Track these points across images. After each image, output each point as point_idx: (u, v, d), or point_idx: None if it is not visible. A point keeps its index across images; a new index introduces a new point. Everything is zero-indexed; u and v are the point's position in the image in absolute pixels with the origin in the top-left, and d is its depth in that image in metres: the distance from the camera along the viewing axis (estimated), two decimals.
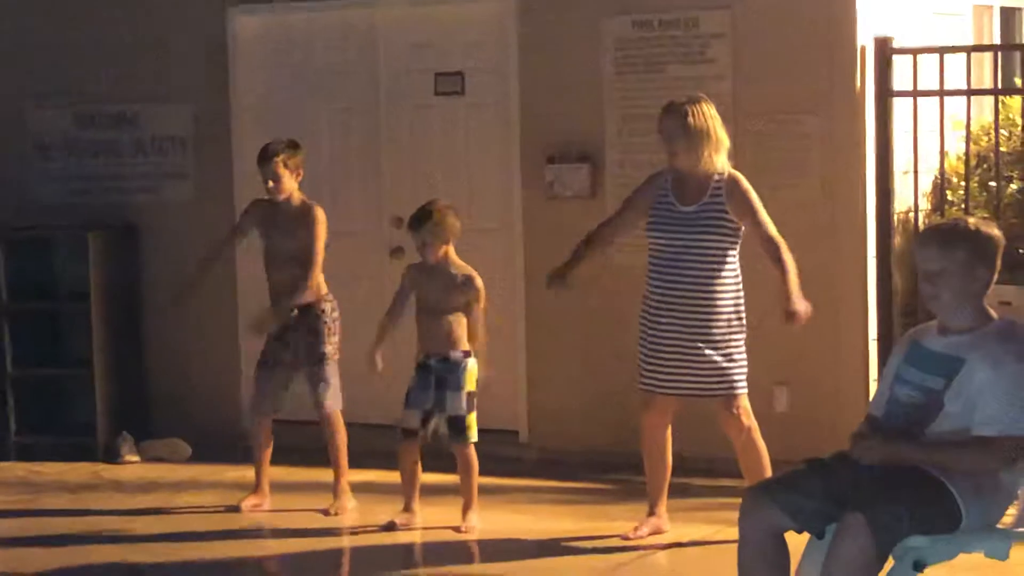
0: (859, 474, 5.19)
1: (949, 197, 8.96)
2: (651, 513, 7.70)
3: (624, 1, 9.12)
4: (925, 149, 8.73)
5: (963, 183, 8.75)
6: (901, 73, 8.68)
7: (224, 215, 9.95)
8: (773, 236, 7.36)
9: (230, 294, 9.97)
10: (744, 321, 7.44)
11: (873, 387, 8.29)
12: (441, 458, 8.09)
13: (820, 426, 8.37)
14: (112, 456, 9.86)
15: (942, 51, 8.63)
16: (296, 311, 8.28)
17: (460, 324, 7.83)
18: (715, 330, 7.35)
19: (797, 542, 5.36)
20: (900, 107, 8.71)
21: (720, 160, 7.42)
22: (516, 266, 9.41)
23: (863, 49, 8.66)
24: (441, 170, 9.72)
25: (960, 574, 5.78)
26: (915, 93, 8.65)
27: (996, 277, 5.33)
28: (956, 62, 8.65)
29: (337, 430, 8.34)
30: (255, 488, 8.52)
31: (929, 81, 8.61)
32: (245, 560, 7.80)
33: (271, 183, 8.30)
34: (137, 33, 10.29)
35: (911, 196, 8.78)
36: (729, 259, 7.41)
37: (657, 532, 7.67)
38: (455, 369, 7.82)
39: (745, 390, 7.47)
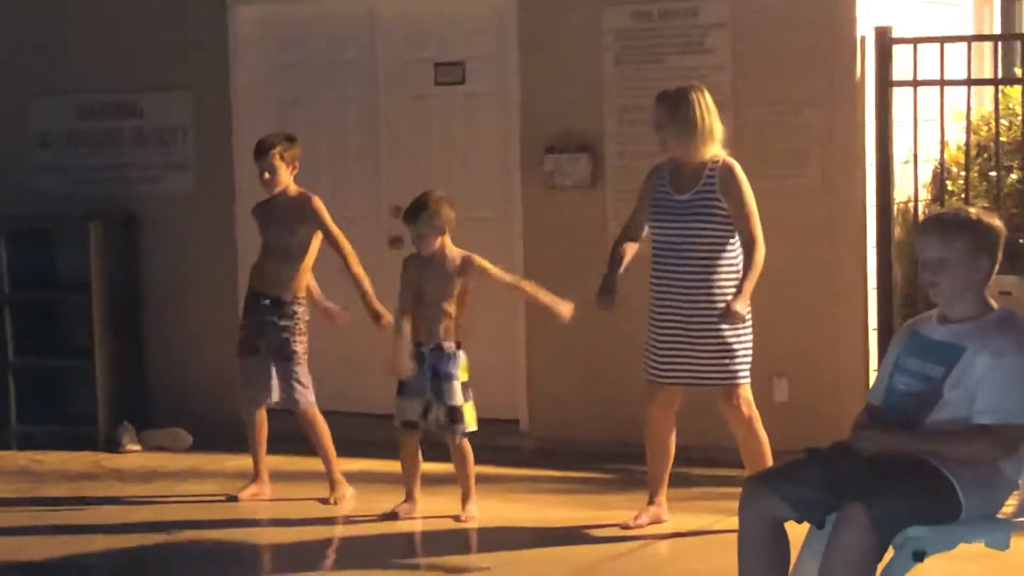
0: (859, 464, 5.18)
1: (949, 187, 8.95)
2: (651, 502, 7.70)
3: None
4: (925, 139, 8.73)
5: (963, 173, 8.75)
6: (901, 63, 8.67)
7: (224, 206, 9.95)
8: (753, 232, 7.30)
9: (230, 284, 9.97)
10: (748, 311, 7.38)
11: (873, 377, 8.29)
12: (441, 448, 8.10)
13: (820, 416, 8.37)
14: (113, 445, 9.86)
15: (942, 41, 8.62)
16: (268, 301, 8.30)
17: (454, 315, 7.83)
18: (714, 320, 7.32)
19: (797, 532, 5.36)
20: (900, 97, 8.71)
21: (712, 149, 7.38)
22: (516, 255, 9.39)
23: (863, 39, 8.65)
24: (441, 160, 9.73)
25: (960, 564, 5.78)
26: (915, 83, 8.64)
27: (998, 268, 5.34)
28: (956, 52, 8.64)
29: (315, 424, 8.36)
30: (254, 477, 8.53)
31: (929, 71, 8.60)
32: (245, 548, 7.82)
33: (267, 175, 8.31)
34: (138, 24, 10.29)
35: (911, 186, 8.77)
36: (728, 248, 7.37)
37: (657, 521, 7.67)
38: (449, 359, 7.82)
39: (747, 380, 7.44)
